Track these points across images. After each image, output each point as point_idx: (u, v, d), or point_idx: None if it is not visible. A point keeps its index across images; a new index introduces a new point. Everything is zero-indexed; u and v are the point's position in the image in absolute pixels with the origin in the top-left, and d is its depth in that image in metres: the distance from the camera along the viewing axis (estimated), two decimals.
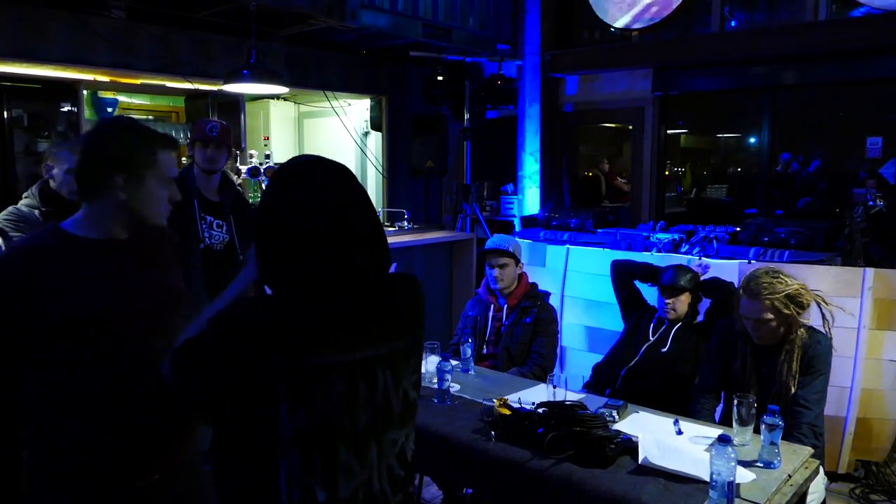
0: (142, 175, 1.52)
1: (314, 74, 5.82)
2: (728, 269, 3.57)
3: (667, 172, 5.88)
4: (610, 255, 3.95)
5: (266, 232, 1.27)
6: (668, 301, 3.09)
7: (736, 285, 2.98)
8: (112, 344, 1.48)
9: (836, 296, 3.08)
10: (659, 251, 4.03)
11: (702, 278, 3.24)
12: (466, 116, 5.82)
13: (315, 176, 1.27)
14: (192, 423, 1.64)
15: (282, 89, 4.96)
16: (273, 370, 1.17)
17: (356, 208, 1.28)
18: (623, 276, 3.39)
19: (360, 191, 1.31)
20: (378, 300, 1.29)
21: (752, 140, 5.92)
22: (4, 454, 1.52)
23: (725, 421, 2.55)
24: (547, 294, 3.44)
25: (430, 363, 2.70)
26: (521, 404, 2.27)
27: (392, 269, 1.41)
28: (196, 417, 1.57)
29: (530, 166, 5.94)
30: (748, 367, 2.58)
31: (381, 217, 5.91)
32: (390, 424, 1.30)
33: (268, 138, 7.52)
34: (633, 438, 2.09)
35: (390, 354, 1.29)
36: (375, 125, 6.66)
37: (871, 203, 3.84)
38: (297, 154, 1.68)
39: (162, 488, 1.58)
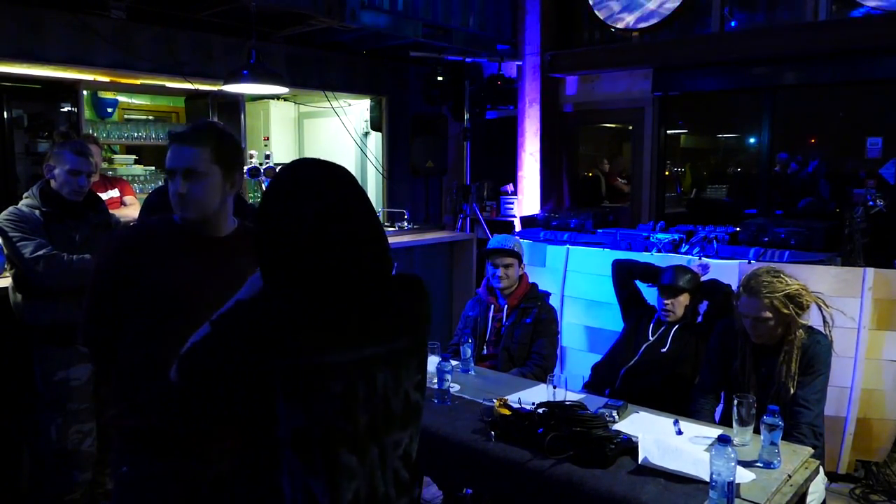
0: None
1: (314, 74, 5.82)
2: (728, 270, 3.57)
3: (667, 172, 5.88)
4: (610, 256, 3.95)
5: (266, 235, 1.27)
6: (666, 302, 3.09)
7: (735, 286, 2.98)
8: (182, 323, 1.53)
9: (836, 296, 3.08)
10: (659, 251, 4.02)
11: (702, 279, 3.24)
12: (466, 116, 5.82)
13: (314, 178, 1.28)
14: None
15: (282, 89, 4.96)
16: (269, 370, 1.17)
17: (356, 210, 1.28)
18: (624, 275, 3.39)
19: (360, 192, 1.31)
20: (378, 301, 1.29)
21: (752, 140, 5.92)
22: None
23: (725, 421, 2.55)
24: (547, 294, 3.44)
25: (430, 363, 2.69)
26: (521, 404, 2.27)
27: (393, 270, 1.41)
28: (203, 419, 1.61)
29: (530, 166, 5.94)
30: (748, 367, 2.58)
31: (381, 217, 5.92)
32: (391, 426, 1.29)
33: (268, 139, 7.52)
34: (633, 438, 2.09)
35: (390, 355, 1.29)
36: (375, 125, 6.66)
37: (871, 203, 3.85)
38: (296, 155, 1.72)
39: (207, 465, 1.67)
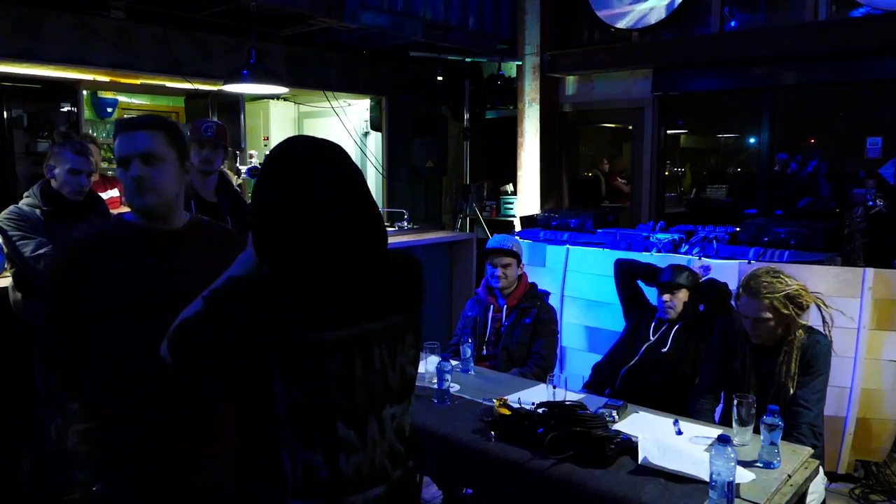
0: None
1: (314, 74, 5.82)
2: (728, 270, 3.57)
3: (667, 172, 5.88)
4: (610, 256, 3.95)
5: (261, 212, 1.27)
6: (665, 298, 3.09)
7: (735, 286, 2.98)
8: (153, 323, 1.48)
9: (836, 296, 3.08)
10: (659, 251, 4.02)
11: (702, 279, 3.24)
12: (466, 116, 5.82)
13: (308, 156, 1.28)
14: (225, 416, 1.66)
15: (282, 89, 4.96)
16: (267, 347, 1.18)
17: (350, 187, 1.28)
18: (626, 275, 3.40)
19: (354, 169, 1.31)
20: (373, 277, 1.30)
21: (752, 140, 5.93)
22: None
23: (725, 421, 2.55)
24: (546, 294, 3.44)
25: (430, 363, 2.70)
26: (520, 404, 2.27)
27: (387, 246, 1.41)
28: (197, 395, 1.60)
29: (530, 166, 5.94)
30: (748, 367, 2.58)
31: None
32: (388, 400, 1.31)
33: (268, 138, 7.52)
34: (633, 438, 2.09)
35: (386, 331, 1.30)
36: (375, 125, 6.66)
37: (870, 203, 3.85)
38: None
39: (192, 474, 1.62)
